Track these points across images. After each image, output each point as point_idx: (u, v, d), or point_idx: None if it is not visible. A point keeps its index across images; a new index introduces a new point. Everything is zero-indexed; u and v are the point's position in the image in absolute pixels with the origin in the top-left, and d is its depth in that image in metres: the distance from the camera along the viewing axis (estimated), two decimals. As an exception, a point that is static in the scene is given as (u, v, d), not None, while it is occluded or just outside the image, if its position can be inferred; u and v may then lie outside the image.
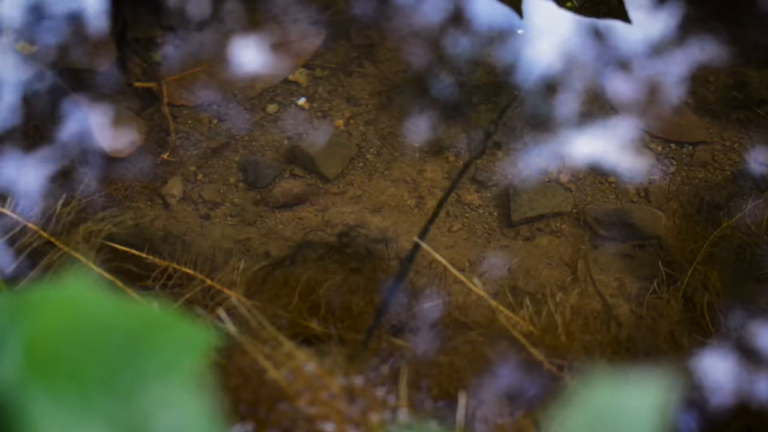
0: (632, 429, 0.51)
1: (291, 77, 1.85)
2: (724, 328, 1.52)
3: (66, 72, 1.82)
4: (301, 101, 1.82)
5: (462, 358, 1.45)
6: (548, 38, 1.86)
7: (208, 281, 1.53)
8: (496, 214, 1.69)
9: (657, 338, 1.51)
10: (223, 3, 1.91)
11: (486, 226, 1.68)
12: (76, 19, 1.86)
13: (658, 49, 1.84)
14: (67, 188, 1.68)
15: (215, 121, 1.80)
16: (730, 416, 1.44)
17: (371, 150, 1.76)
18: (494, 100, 1.80)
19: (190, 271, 1.55)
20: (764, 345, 1.50)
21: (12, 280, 1.52)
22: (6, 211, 1.57)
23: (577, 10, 1.86)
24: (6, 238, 1.55)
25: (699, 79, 1.83)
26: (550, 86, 1.81)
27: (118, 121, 1.78)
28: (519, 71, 1.83)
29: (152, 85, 1.83)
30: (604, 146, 1.75)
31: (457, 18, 1.89)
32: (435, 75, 1.84)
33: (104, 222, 1.60)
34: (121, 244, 1.57)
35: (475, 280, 1.56)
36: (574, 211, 1.69)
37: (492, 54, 1.86)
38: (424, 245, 1.60)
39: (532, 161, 1.74)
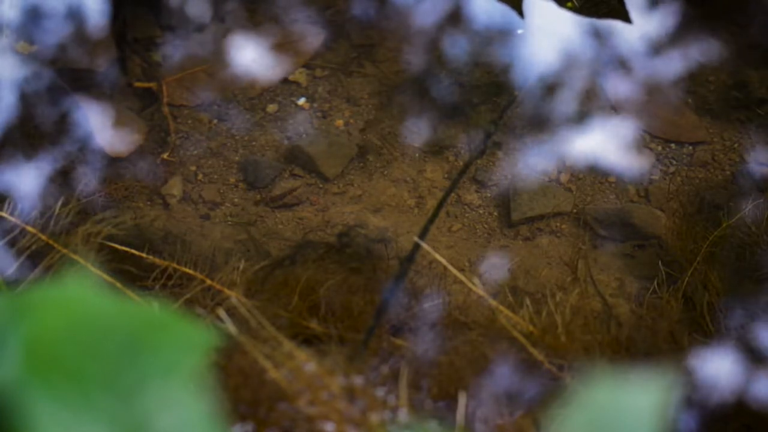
0: (632, 429, 0.51)
1: (291, 77, 1.85)
2: (724, 328, 1.52)
3: (66, 72, 1.82)
4: (301, 101, 1.82)
5: (462, 358, 1.45)
6: (548, 38, 1.86)
7: (208, 281, 1.53)
8: (496, 214, 1.69)
9: (657, 338, 1.51)
10: (223, 3, 1.91)
11: (486, 226, 1.68)
12: (75, 19, 1.86)
13: (658, 49, 1.84)
14: (66, 189, 1.68)
15: (215, 121, 1.80)
16: (730, 416, 1.44)
17: (371, 150, 1.76)
18: (494, 100, 1.80)
19: (190, 271, 1.55)
20: (764, 345, 1.50)
21: (12, 281, 1.52)
22: (4, 214, 1.57)
23: (577, 10, 1.86)
24: (5, 240, 1.55)
25: (699, 79, 1.83)
26: (550, 86, 1.81)
27: (118, 121, 1.78)
28: (519, 71, 1.83)
29: (152, 85, 1.83)
30: (604, 146, 1.75)
31: (457, 18, 1.89)
32: (435, 75, 1.84)
33: (104, 222, 1.60)
34: (120, 245, 1.57)
35: (475, 280, 1.56)
36: (574, 211, 1.69)
37: (492, 54, 1.85)
38: (424, 245, 1.60)
39: (532, 161, 1.74)
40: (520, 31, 1.87)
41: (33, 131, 1.74)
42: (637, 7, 1.86)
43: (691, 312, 1.54)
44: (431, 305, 1.53)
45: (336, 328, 1.48)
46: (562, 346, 1.45)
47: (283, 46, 1.88)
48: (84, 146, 1.74)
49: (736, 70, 1.84)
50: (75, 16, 1.87)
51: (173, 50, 1.87)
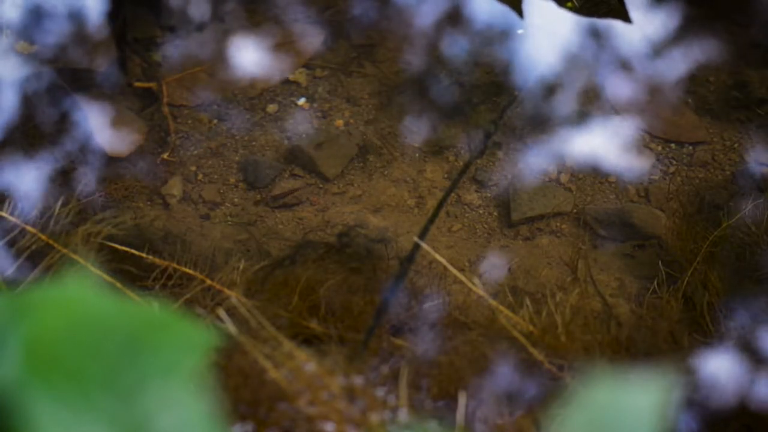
0: (632, 429, 0.51)
1: (291, 77, 1.85)
2: (724, 328, 1.52)
3: (66, 72, 1.82)
4: (301, 101, 1.82)
5: (462, 358, 1.45)
6: (548, 38, 1.86)
7: (208, 281, 1.53)
8: (496, 214, 1.69)
9: (657, 338, 1.51)
10: (223, 3, 1.91)
11: (486, 226, 1.68)
12: (76, 19, 1.86)
13: (658, 49, 1.84)
14: (66, 189, 1.68)
15: (215, 121, 1.80)
16: (730, 416, 1.44)
17: (371, 150, 1.76)
18: (494, 100, 1.80)
19: (190, 271, 1.55)
20: (764, 345, 1.50)
21: (12, 281, 1.52)
22: (4, 214, 1.57)
23: (577, 10, 1.86)
24: (5, 240, 1.55)
25: (699, 79, 1.83)
26: (550, 86, 1.81)
27: (118, 121, 1.78)
28: (519, 71, 1.83)
29: (152, 85, 1.83)
30: (604, 146, 1.75)
31: (457, 18, 1.89)
32: (435, 75, 1.84)
33: (104, 222, 1.60)
34: (120, 245, 1.57)
35: (475, 280, 1.56)
36: (574, 211, 1.69)
37: (492, 54, 1.85)
38: (424, 245, 1.60)
39: (532, 161, 1.74)
40: (520, 31, 1.87)
41: (33, 131, 1.74)
42: (637, 7, 1.86)
43: (691, 312, 1.54)
44: (431, 305, 1.53)
45: (336, 328, 1.48)
46: (562, 346, 1.45)
47: (283, 46, 1.88)
48: (84, 146, 1.74)
49: (736, 70, 1.84)
50: (75, 16, 1.87)
51: (173, 50, 1.87)
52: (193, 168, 1.74)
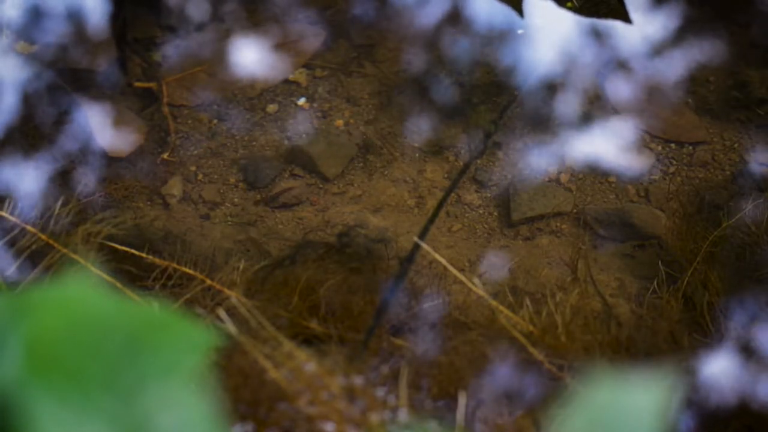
0: (633, 429, 0.51)
1: (291, 77, 1.85)
2: (724, 328, 1.52)
3: (66, 72, 1.82)
4: (301, 101, 1.82)
5: (462, 358, 1.45)
6: (548, 38, 1.86)
7: (208, 281, 1.53)
8: (496, 214, 1.69)
9: (657, 338, 1.51)
10: (223, 3, 1.91)
11: (486, 226, 1.68)
12: (76, 19, 1.86)
13: (658, 49, 1.84)
14: (66, 189, 1.68)
15: (215, 121, 1.80)
16: (730, 416, 1.44)
17: (371, 150, 1.76)
18: (494, 100, 1.80)
19: (190, 271, 1.55)
20: (764, 345, 1.50)
21: (12, 281, 1.52)
22: (4, 213, 1.57)
23: (577, 10, 1.86)
24: (5, 240, 1.55)
25: (699, 79, 1.83)
26: (550, 86, 1.81)
27: (118, 121, 1.78)
28: (519, 71, 1.83)
29: (152, 85, 1.83)
30: (604, 146, 1.75)
31: (457, 18, 1.89)
32: (435, 75, 1.84)
33: (104, 222, 1.60)
34: (120, 245, 1.57)
35: (475, 280, 1.56)
36: (574, 211, 1.69)
37: (492, 54, 1.85)
38: (424, 245, 1.60)
39: (532, 161, 1.74)
40: (520, 31, 1.87)
41: (33, 131, 1.74)
42: (637, 7, 1.86)
43: (691, 312, 1.54)
44: (431, 305, 1.53)
45: (336, 328, 1.48)
46: (562, 346, 1.45)
47: (283, 46, 1.88)
48: (84, 146, 1.74)
49: (736, 70, 1.84)
50: (75, 16, 1.87)
51: (173, 50, 1.87)
52: (193, 168, 1.74)
